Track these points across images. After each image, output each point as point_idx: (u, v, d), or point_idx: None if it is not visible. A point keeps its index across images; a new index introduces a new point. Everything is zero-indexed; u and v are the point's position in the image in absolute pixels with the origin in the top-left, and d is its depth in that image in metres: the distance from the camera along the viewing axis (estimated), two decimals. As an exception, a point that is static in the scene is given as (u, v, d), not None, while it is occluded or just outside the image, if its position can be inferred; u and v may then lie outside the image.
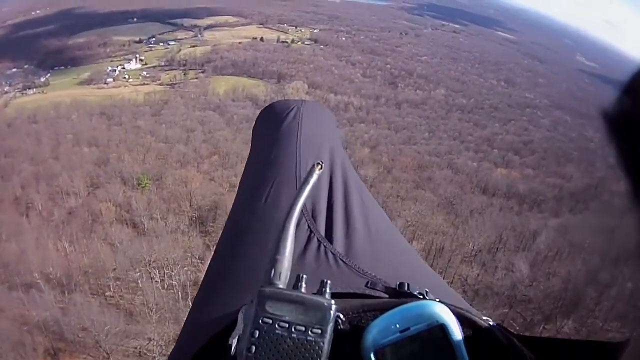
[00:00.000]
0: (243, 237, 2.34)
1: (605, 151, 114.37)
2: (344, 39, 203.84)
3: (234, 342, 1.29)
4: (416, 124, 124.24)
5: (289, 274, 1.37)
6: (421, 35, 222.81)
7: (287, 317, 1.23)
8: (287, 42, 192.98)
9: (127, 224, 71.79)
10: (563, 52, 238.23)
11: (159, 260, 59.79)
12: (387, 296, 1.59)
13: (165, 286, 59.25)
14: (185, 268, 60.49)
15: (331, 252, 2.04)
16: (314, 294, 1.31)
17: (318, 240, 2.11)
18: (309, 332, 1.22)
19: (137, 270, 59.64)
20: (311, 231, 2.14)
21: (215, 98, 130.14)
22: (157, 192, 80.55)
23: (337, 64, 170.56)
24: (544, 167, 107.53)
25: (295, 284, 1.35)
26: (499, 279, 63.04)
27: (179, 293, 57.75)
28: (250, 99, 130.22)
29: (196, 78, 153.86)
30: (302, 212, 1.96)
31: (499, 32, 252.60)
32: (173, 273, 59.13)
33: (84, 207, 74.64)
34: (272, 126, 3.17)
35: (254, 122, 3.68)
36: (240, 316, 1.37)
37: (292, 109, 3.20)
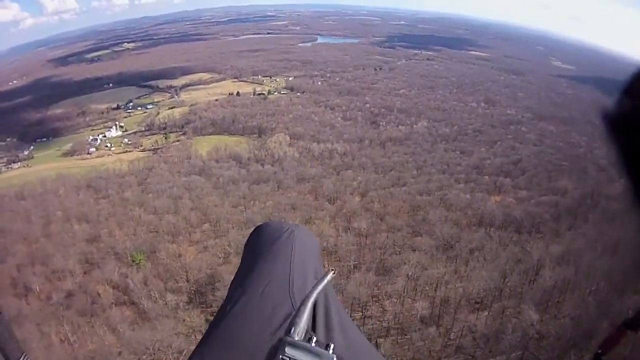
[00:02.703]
0: (239, 315, 2.80)
1: (594, 154, 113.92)
2: (319, 83, 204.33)
3: None
4: (403, 163, 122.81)
5: (304, 333, 2.05)
6: (395, 68, 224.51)
7: (299, 359, 1.81)
8: (263, 93, 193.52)
9: (126, 305, 71.36)
10: (537, 59, 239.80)
11: (162, 345, 58.65)
12: None
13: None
14: (188, 353, 59.02)
15: (315, 338, 2.35)
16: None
17: (305, 330, 2.44)
18: None
19: None
20: None
21: (199, 160, 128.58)
22: (152, 269, 79.88)
23: (316, 110, 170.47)
24: (536, 185, 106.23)
25: (307, 340, 1.98)
26: (508, 322, 61.23)
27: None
28: (233, 158, 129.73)
29: (178, 141, 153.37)
30: (293, 306, 2.61)
31: (472, 52, 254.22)
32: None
33: (81, 288, 74.66)
34: (269, 241, 3.56)
35: (246, 239, 3.93)
36: None
37: (287, 230, 3.61)
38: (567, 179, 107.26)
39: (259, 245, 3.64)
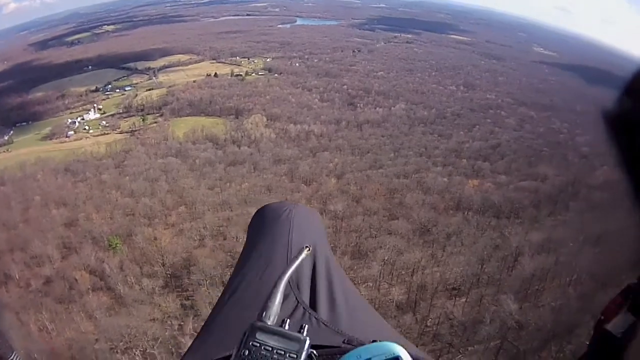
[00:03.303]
0: (238, 301, 3.00)
1: (575, 142, 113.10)
2: (297, 64, 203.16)
3: None
4: (380, 145, 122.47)
5: (277, 317, 1.98)
6: (374, 50, 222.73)
7: (271, 344, 1.74)
8: (241, 75, 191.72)
9: (102, 290, 70.51)
10: (519, 46, 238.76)
11: (138, 332, 58.27)
12: None
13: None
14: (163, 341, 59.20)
15: (314, 317, 2.57)
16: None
17: (303, 309, 2.67)
18: (287, 356, 1.71)
19: (118, 349, 57.68)
20: (298, 302, 2.70)
21: (176, 142, 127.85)
22: (129, 253, 79.12)
23: (293, 91, 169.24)
24: (515, 170, 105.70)
25: (280, 324, 1.90)
26: (486, 311, 60.66)
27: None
28: (210, 139, 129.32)
29: (155, 122, 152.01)
30: (290, 286, 2.75)
31: (453, 36, 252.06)
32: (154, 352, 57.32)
33: (59, 274, 73.25)
34: (268, 223, 3.67)
35: (249, 222, 4.07)
36: (234, 352, 1.80)
37: (285, 209, 3.73)
38: (547, 165, 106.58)
39: (259, 229, 3.72)
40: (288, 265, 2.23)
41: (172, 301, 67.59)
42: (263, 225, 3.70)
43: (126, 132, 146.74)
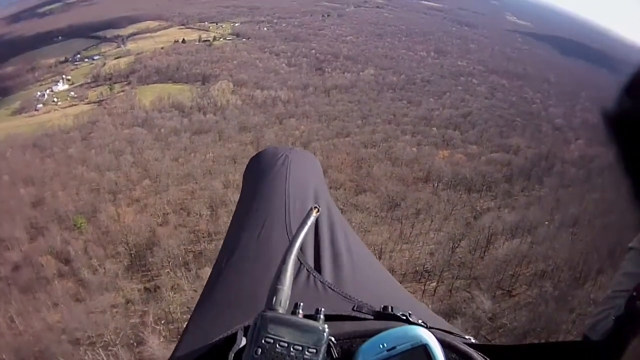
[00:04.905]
0: (236, 268, 2.74)
1: (549, 112, 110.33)
2: (265, 29, 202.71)
3: (232, 356, 1.53)
4: (347, 112, 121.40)
5: (288, 301, 1.61)
6: (344, 14, 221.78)
7: (286, 338, 1.45)
8: (209, 40, 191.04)
9: (67, 277, 68.67)
10: (492, 14, 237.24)
11: (100, 327, 57.11)
12: (372, 318, 1.85)
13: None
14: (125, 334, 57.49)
15: (320, 280, 2.40)
16: (309, 317, 1.53)
17: (307, 270, 2.47)
18: (305, 352, 1.43)
19: (82, 344, 55.96)
20: (301, 263, 2.49)
21: (142, 111, 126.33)
22: (93, 233, 77.48)
23: (261, 56, 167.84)
24: (487, 141, 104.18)
25: (293, 310, 1.58)
26: (458, 301, 58.40)
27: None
28: (176, 107, 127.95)
29: (122, 91, 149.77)
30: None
31: (424, 2, 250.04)
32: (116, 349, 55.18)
33: (26, 260, 71.44)
34: (263, 172, 3.46)
35: (244, 169, 3.87)
36: (239, 334, 1.63)
37: (281, 156, 3.50)
38: (519, 136, 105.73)
39: (253, 180, 3.52)
40: (295, 235, 1.79)
41: (135, 284, 66.39)
42: (257, 175, 3.44)
43: (94, 103, 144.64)
